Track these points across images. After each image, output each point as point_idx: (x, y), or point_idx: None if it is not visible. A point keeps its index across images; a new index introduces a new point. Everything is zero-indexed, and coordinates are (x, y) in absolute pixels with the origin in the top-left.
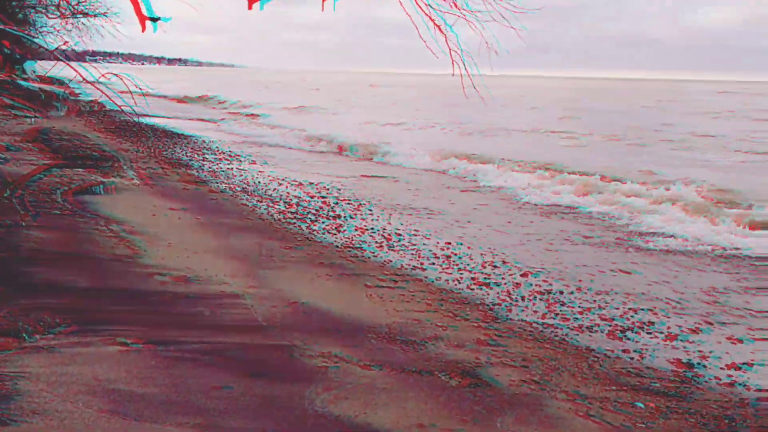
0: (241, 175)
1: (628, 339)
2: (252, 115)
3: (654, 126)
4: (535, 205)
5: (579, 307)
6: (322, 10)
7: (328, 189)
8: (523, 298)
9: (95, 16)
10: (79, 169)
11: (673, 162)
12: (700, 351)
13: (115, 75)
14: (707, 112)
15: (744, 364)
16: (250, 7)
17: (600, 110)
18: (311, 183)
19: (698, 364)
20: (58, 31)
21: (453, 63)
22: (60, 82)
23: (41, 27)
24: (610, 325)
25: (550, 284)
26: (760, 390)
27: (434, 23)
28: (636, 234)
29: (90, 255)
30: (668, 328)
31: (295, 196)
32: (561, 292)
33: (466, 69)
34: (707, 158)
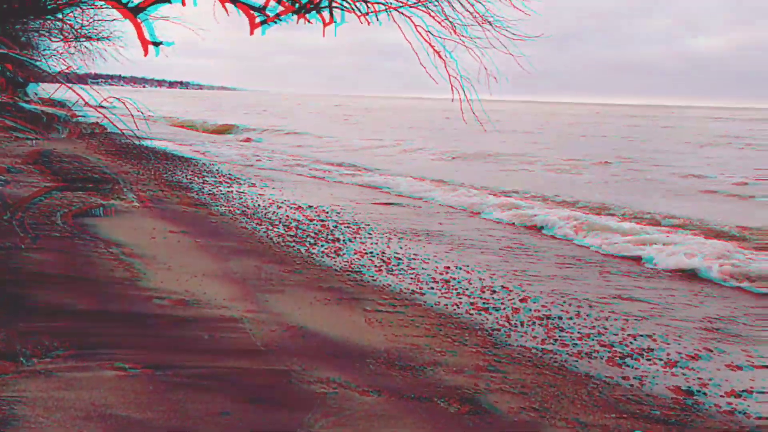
0: (241, 198)
1: (628, 366)
2: (247, 139)
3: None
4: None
5: (578, 332)
6: (323, 35)
7: (327, 212)
8: (522, 324)
9: (98, 39)
10: (80, 192)
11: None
12: (699, 378)
13: (117, 99)
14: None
15: (744, 391)
16: (252, 32)
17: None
18: (310, 206)
19: (698, 391)
20: (61, 54)
21: (452, 88)
22: (62, 104)
23: (44, 50)
24: (609, 352)
25: (549, 309)
26: (759, 418)
27: (434, 49)
28: (629, 259)
29: (89, 278)
30: (668, 354)
31: (294, 219)
32: (560, 318)
33: (465, 94)
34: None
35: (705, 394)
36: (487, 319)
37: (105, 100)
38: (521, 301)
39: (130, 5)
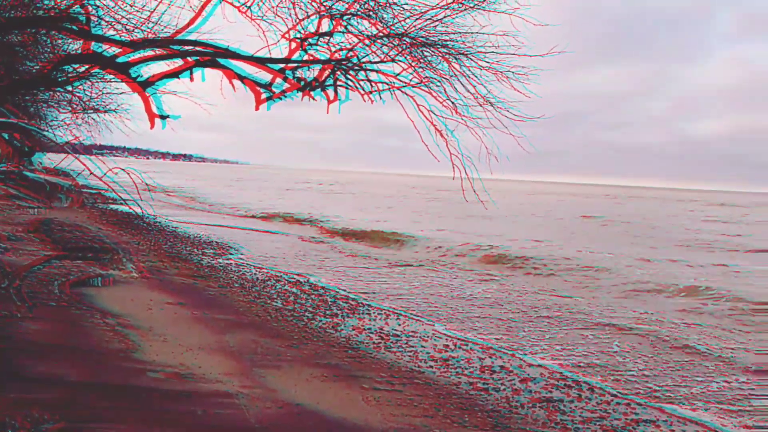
0: (239, 270)
1: None
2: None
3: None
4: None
5: (580, 416)
6: (327, 112)
7: (324, 287)
8: (522, 405)
9: (105, 111)
10: (79, 261)
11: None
12: None
13: (122, 170)
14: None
15: None
16: (257, 108)
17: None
18: (308, 280)
19: None
20: (68, 125)
21: (453, 167)
22: (66, 174)
23: (52, 121)
24: None
25: (550, 391)
26: None
27: (436, 128)
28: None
29: (83, 348)
30: None
31: (293, 293)
32: (561, 401)
33: (466, 173)
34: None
35: None
36: (488, 400)
37: (110, 170)
38: (521, 381)
39: (139, 80)
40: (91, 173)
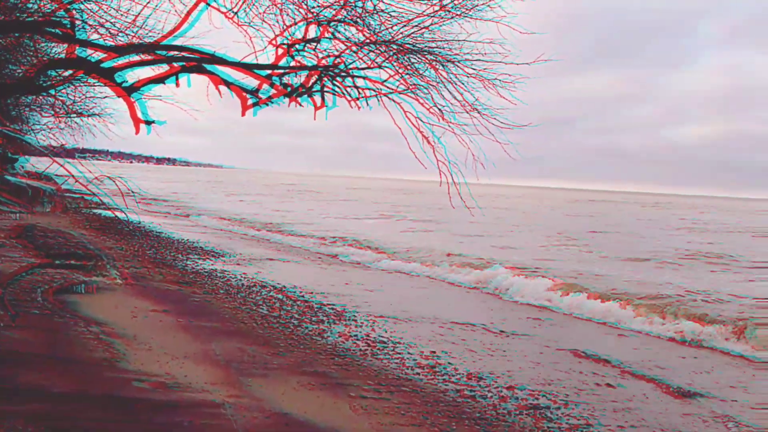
0: (224, 276)
1: None
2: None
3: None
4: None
5: (566, 423)
6: (314, 119)
7: (312, 292)
8: (509, 413)
9: (89, 116)
10: (62, 268)
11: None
12: None
13: (108, 177)
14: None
15: None
16: (243, 114)
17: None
18: (295, 286)
19: None
20: (51, 129)
21: (440, 173)
22: (48, 178)
23: (34, 125)
24: None
25: (537, 398)
26: None
27: (423, 135)
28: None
29: (68, 358)
30: None
31: (278, 300)
32: (548, 407)
33: (453, 179)
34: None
35: None
36: (474, 407)
37: (96, 178)
38: (507, 389)
39: (124, 85)
40: (75, 179)
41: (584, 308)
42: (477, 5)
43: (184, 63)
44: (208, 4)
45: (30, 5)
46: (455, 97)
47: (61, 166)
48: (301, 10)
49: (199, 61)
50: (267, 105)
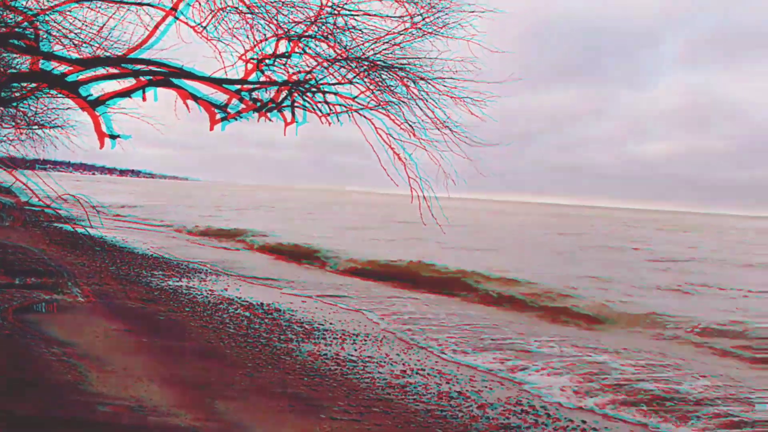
0: (189, 293)
1: None
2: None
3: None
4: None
5: None
6: (284, 134)
7: (279, 310)
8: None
9: (51, 127)
10: (21, 286)
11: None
12: None
13: (72, 196)
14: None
15: None
16: (212, 128)
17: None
18: (261, 303)
19: None
20: (11, 140)
21: (411, 190)
22: (8, 191)
23: None
24: None
25: (508, 418)
26: None
27: (394, 151)
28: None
29: (29, 381)
30: None
31: (245, 317)
32: (518, 427)
33: (424, 197)
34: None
35: None
36: (447, 428)
37: (59, 197)
38: (479, 408)
39: (89, 98)
40: (36, 196)
41: None
42: (448, 24)
43: (151, 77)
44: (176, 18)
45: None
46: (426, 114)
47: (18, 180)
48: (271, 25)
49: (167, 75)
50: (236, 120)
